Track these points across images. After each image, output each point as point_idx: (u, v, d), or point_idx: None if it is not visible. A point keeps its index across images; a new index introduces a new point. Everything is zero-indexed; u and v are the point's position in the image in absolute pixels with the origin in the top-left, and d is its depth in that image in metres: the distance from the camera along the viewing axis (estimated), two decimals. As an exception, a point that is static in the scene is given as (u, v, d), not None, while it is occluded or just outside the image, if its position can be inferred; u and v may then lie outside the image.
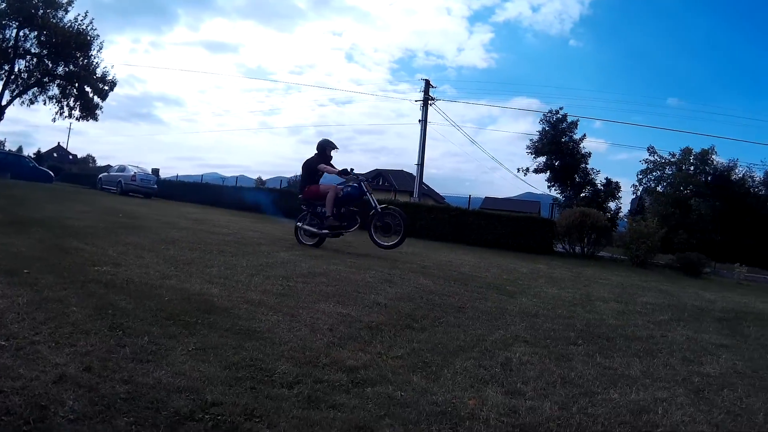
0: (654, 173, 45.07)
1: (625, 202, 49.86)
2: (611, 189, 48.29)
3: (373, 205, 11.08)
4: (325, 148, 11.60)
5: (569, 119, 46.91)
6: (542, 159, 47.48)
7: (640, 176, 45.37)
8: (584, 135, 48.79)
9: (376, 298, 6.30)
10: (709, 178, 42.68)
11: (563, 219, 22.02)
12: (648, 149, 45.22)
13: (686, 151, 43.89)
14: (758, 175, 43.10)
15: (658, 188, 43.90)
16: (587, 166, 47.61)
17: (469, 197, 32.08)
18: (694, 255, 20.26)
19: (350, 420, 2.89)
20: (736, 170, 43.52)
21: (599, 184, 47.83)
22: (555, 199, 46.06)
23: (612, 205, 47.62)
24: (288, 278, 6.87)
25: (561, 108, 47.81)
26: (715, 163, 43.40)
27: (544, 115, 48.03)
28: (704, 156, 42.92)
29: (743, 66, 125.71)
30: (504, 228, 21.83)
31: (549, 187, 47.60)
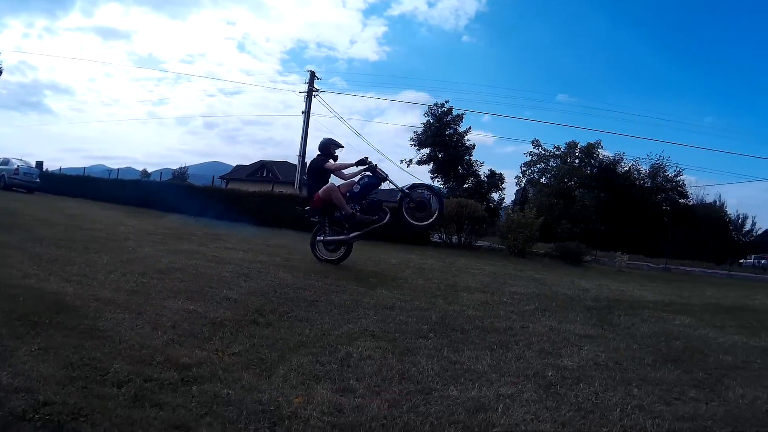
0: (538, 165, 46.49)
1: (510, 193, 51.41)
2: (495, 180, 50.00)
3: (399, 187, 9.98)
4: (329, 146, 10.34)
5: (455, 112, 48.48)
6: (426, 151, 48.63)
7: (524, 168, 46.86)
8: (469, 128, 50.51)
9: (228, 293, 6.20)
10: (594, 171, 44.32)
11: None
12: (533, 142, 47.14)
13: (571, 145, 45.84)
14: (644, 168, 45.36)
15: (542, 180, 45.18)
16: (471, 158, 49.10)
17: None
18: (574, 244, 20.86)
19: (170, 419, 2.87)
20: (622, 163, 45.64)
21: (483, 176, 49.30)
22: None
23: (495, 195, 49.30)
24: (144, 274, 6.71)
25: (446, 101, 49.49)
26: (600, 156, 45.37)
27: (429, 108, 49.42)
28: (590, 149, 44.88)
29: (632, 63, 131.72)
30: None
31: (432, 178, 48.81)
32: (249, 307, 5.65)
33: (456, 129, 49.83)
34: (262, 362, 4.00)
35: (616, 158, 46.35)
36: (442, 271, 11.37)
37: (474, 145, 50.44)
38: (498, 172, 50.88)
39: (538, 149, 47.10)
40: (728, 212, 54.07)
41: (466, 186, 49.53)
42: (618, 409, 3.78)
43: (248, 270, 7.96)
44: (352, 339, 4.88)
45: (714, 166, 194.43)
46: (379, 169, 9.93)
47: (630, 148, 74.12)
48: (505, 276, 11.87)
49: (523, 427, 3.28)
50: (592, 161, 45.67)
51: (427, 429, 3.12)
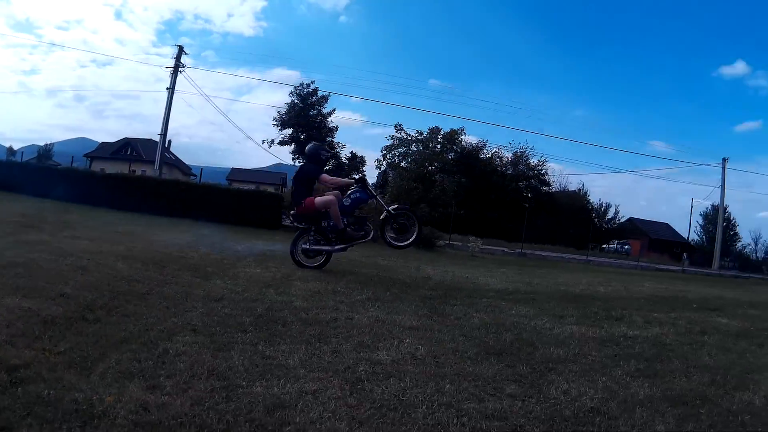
0: (399, 149, 46.88)
1: (373, 175, 51.97)
2: (356, 163, 50.39)
3: (387, 208, 10.39)
4: (319, 153, 10.56)
5: (320, 93, 48.48)
6: (289, 131, 48.42)
7: (384, 152, 47.25)
8: (333, 109, 50.70)
9: (63, 289, 5.97)
10: (456, 157, 45.30)
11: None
12: (395, 126, 47.45)
13: (434, 130, 46.55)
14: (507, 155, 46.88)
15: (402, 164, 45.76)
16: (333, 139, 49.31)
17: (201, 170, 31.63)
18: (427, 229, 20.97)
19: (-5, 422, 2.86)
20: (485, 150, 46.95)
21: (344, 158, 49.64)
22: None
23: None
24: (-17, 271, 6.48)
25: (312, 81, 49.42)
26: (463, 142, 46.33)
27: (294, 87, 49.19)
28: (453, 136, 45.78)
29: (512, 55, 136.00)
30: (233, 202, 22.03)
31: (294, 159, 48.69)
32: (81, 302, 5.50)
33: (320, 110, 50.02)
34: (84, 360, 3.94)
35: (479, 145, 48.05)
36: (283, 260, 10.84)
37: (337, 127, 50.91)
38: (360, 154, 51.63)
39: (400, 133, 47.56)
40: (591, 200, 57.47)
41: (327, 168, 49.73)
42: (424, 407, 3.79)
43: (87, 262, 7.75)
44: (173, 334, 4.83)
45: (580, 156, 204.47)
46: (370, 187, 10.35)
47: (498, 136, 77.14)
48: (348, 263, 11.53)
49: (318, 426, 3.27)
50: (455, 147, 46.72)
51: (222, 427, 3.12)
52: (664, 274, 27.23)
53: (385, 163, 48.42)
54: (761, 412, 4.90)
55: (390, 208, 10.37)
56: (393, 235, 10.26)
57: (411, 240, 10.43)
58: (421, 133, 46.89)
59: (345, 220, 9.79)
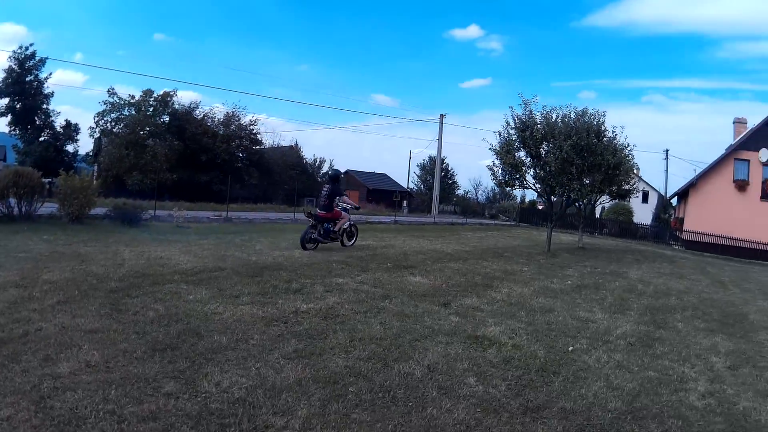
0: (112, 115, 44.99)
1: (89, 145, 49.57)
2: (70, 131, 47.74)
3: (351, 222, 17.35)
4: (339, 177, 17.90)
5: (38, 57, 45.47)
6: (5, 101, 44.75)
7: (97, 118, 45.07)
8: (50, 73, 47.64)
9: None
10: (168, 119, 44.42)
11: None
12: (108, 91, 45.56)
13: (147, 93, 45.17)
14: (218, 116, 46.76)
15: (115, 130, 44.08)
16: (48, 107, 46.32)
17: None
18: (129, 205, 20.62)
19: None
20: (197, 111, 46.41)
21: (59, 127, 46.88)
22: (15, 145, 44.60)
23: (70, 148, 47.21)
24: None
25: (31, 44, 46.10)
26: (176, 104, 45.66)
27: (14, 52, 45.44)
28: (165, 98, 44.67)
29: (235, 5, 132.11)
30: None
31: (11, 132, 45.27)
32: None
33: (37, 75, 46.66)
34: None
35: (192, 106, 47.29)
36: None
37: (53, 93, 47.56)
38: (73, 122, 48.80)
39: (113, 97, 45.46)
40: (304, 156, 59.14)
41: (42, 138, 46.89)
42: (92, 417, 4.01)
43: None
44: None
45: (303, 113, 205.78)
46: (353, 208, 17.47)
47: (217, 96, 76.24)
48: (49, 258, 11.07)
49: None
50: (168, 109, 45.82)
51: None
52: (375, 226, 28.52)
53: (98, 130, 46.29)
54: (418, 384, 5.52)
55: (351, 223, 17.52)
56: (346, 238, 17.10)
57: (353, 242, 17.38)
58: (133, 97, 45.44)
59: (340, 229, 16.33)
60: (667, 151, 60.61)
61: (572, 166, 20.76)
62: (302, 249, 15.00)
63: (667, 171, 61.10)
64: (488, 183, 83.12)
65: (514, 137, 22.07)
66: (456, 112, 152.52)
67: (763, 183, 39.65)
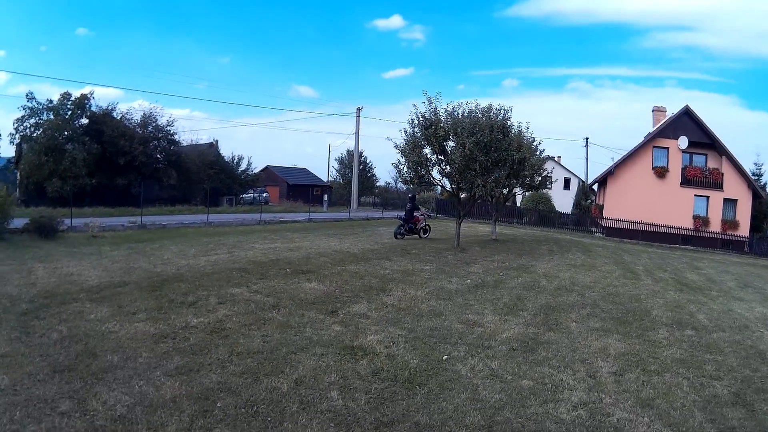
0: (31, 120, 43.85)
1: (10, 151, 48.14)
2: (-11, 139, 46.48)
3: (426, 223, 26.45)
4: (416, 197, 27.78)
5: None
6: None
7: (17, 124, 43.86)
8: None
9: None
10: (86, 122, 43.57)
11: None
12: (27, 95, 43.79)
13: (65, 96, 43.89)
14: (136, 117, 46.07)
15: (35, 135, 43.04)
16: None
17: None
18: (47, 216, 20.10)
19: None
20: (115, 113, 45.61)
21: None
22: None
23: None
24: None
25: None
26: (93, 106, 44.71)
27: None
28: (83, 100, 43.66)
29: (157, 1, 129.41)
30: None
31: None
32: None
33: None
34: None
35: (109, 108, 46.32)
36: None
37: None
38: (-4, 127, 47.82)
39: (32, 102, 43.54)
40: (224, 154, 58.44)
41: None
42: None
43: None
44: None
45: (221, 109, 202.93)
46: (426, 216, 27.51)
47: (139, 93, 74.84)
48: None
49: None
50: (86, 113, 44.66)
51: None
52: (287, 226, 28.44)
53: (18, 136, 45.13)
54: (282, 398, 5.77)
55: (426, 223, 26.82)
56: (422, 233, 26.12)
57: (427, 236, 26.03)
58: (50, 101, 43.90)
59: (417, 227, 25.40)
60: (587, 138, 61.09)
61: (476, 163, 20.99)
62: (394, 239, 24.34)
63: (587, 158, 61.78)
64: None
65: (419, 135, 22.14)
66: (378, 103, 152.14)
67: (682, 170, 41.31)
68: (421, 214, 26.85)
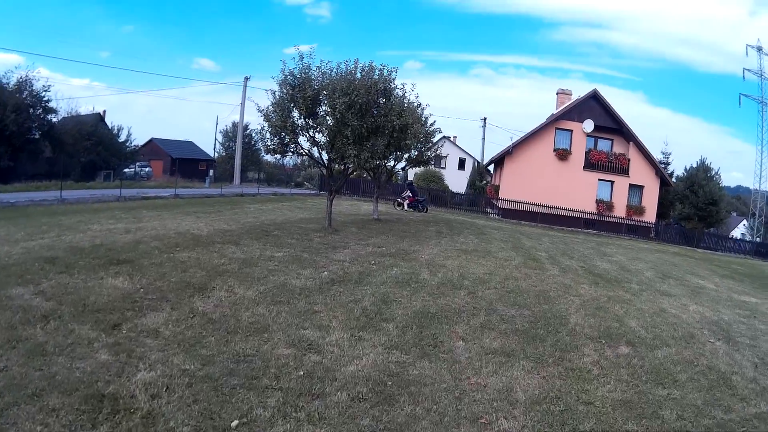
0: None
1: None
2: None
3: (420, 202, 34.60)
4: (413, 183, 41.36)
5: None
6: None
7: None
8: None
9: None
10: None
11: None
12: None
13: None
14: (12, 83, 40.69)
15: None
16: None
17: None
18: None
19: None
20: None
21: None
22: None
23: None
24: None
25: None
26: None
27: None
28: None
29: None
30: None
31: None
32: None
33: None
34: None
35: (-18, 71, 41.07)
36: None
37: None
38: None
39: None
40: (110, 125, 53.37)
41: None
42: None
43: None
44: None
45: (119, 81, 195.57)
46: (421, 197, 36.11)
47: (39, 61, 69.44)
48: None
49: None
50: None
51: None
52: (149, 203, 25.00)
53: None
54: None
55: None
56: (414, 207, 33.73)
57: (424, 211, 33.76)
58: None
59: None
60: (485, 119, 57.17)
61: (348, 129, 17.14)
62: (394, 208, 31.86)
63: (484, 138, 57.38)
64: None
65: (286, 96, 17.87)
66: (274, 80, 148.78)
67: (586, 153, 39.79)
68: (410, 196, 34.52)
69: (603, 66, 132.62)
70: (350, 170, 20.09)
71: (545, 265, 15.22)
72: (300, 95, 17.04)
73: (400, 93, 19.85)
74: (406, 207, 33.72)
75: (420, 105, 21.39)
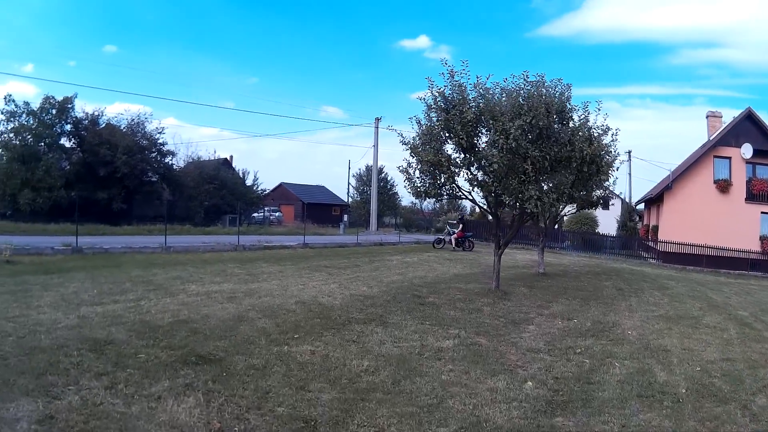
0: (10, 124, 38.09)
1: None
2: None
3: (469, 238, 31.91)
4: (465, 219, 40.54)
5: None
6: None
7: (-4, 128, 37.86)
8: None
9: None
10: (69, 128, 38.37)
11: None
12: (5, 98, 38.16)
13: (47, 100, 38.61)
14: (123, 125, 40.30)
15: (15, 142, 37.27)
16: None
17: None
18: None
19: None
20: (101, 119, 40.12)
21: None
22: None
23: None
24: None
25: None
26: (79, 111, 39.83)
27: None
28: (64, 104, 38.55)
29: (176, 15, 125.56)
30: None
31: None
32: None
33: None
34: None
35: (96, 114, 40.53)
36: None
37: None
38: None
39: (11, 105, 37.93)
40: (236, 169, 52.14)
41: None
42: None
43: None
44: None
45: (241, 126, 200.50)
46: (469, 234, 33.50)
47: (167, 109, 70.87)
48: None
49: None
50: (70, 118, 39.20)
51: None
52: (272, 253, 22.42)
53: (-6, 142, 39.36)
54: None
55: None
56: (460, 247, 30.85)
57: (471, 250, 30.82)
58: (27, 104, 38.17)
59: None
60: (630, 152, 51.09)
61: (526, 162, 12.89)
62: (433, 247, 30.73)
63: (630, 174, 52.51)
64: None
65: (436, 122, 13.79)
66: (404, 122, 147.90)
67: (747, 182, 34.37)
68: (457, 232, 31.64)
69: (723, 87, 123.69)
70: (527, 215, 15.65)
71: (756, 328, 11.94)
72: (458, 120, 13.17)
73: (582, 114, 15.36)
74: (454, 245, 30.68)
75: (608, 129, 16.33)
